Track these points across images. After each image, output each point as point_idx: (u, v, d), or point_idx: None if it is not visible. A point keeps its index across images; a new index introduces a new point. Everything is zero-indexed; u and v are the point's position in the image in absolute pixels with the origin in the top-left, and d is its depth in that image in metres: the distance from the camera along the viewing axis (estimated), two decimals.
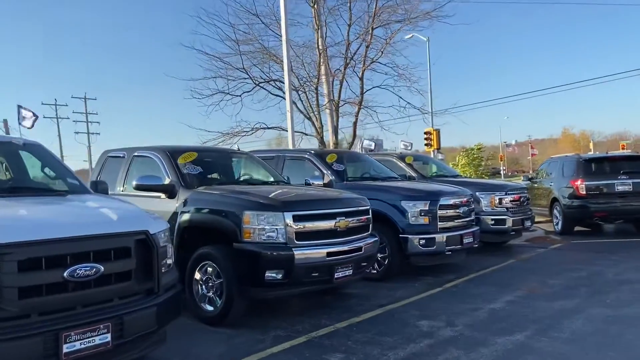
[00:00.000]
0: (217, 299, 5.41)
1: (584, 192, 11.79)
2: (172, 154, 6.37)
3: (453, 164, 22.98)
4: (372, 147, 13.39)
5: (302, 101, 18.13)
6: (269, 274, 5.13)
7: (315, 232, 5.43)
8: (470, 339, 4.89)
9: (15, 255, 3.00)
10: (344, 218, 5.67)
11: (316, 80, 17.89)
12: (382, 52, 17.65)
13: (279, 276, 5.15)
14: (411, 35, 26.74)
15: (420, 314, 5.75)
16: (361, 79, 18.02)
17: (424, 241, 7.32)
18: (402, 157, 11.17)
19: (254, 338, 5.03)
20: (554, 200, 13.02)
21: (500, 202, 9.82)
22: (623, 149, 40.26)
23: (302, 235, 5.31)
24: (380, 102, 19.92)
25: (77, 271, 3.21)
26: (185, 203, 5.81)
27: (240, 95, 17.48)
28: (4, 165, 5.14)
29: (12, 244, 3.01)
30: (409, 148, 14.39)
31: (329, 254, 5.41)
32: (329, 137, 18.42)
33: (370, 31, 17.56)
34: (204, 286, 5.55)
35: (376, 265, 7.53)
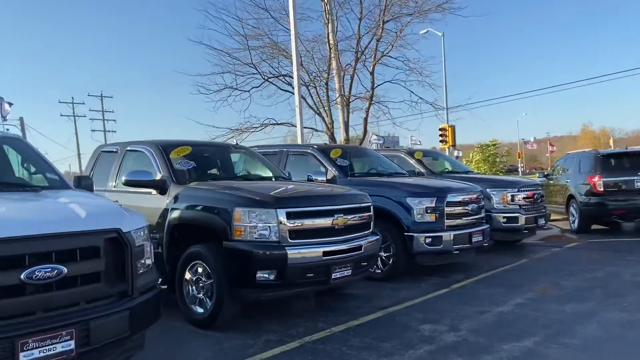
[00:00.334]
0: (208, 300, 5.14)
1: (602, 189, 11.33)
2: (165, 148, 6.11)
3: (467, 161, 22.50)
4: (381, 143, 13.04)
5: (312, 96, 17.83)
6: (261, 275, 4.84)
7: (310, 230, 5.13)
8: (473, 345, 4.56)
9: None
10: (342, 215, 5.36)
11: (326, 75, 17.56)
12: (392, 45, 17.28)
13: (271, 277, 4.87)
14: (426, 30, 26.30)
15: (423, 317, 5.42)
16: (372, 73, 17.67)
17: (430, 240, 6.99)
18: (411, 153, 10.82)
19: (244, 342, 4.75)
20: (570, 197, 12.57)
21: (512, 199, 9.43)
22: None
23: (296, 234, 5.02)
24: (393, 98, 19.51)
25: (36, 273, 2.95)
26: (176, 199, 5.55)
27: (248, 91, 17.25)
28: None
29: None
30: (418, 145, 14.01)
31: (325, 254, 5.10)
32: (340, 133, 18.12)
33: (381, 25, 17.17)
34: (194, 287, 5.28)
35: (380, 264, 7.22)
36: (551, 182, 14.35)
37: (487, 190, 9.29)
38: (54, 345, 2.98)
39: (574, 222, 12.40)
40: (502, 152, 22.85)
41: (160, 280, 5.59)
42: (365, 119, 17.72)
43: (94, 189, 6.65)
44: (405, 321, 5.32)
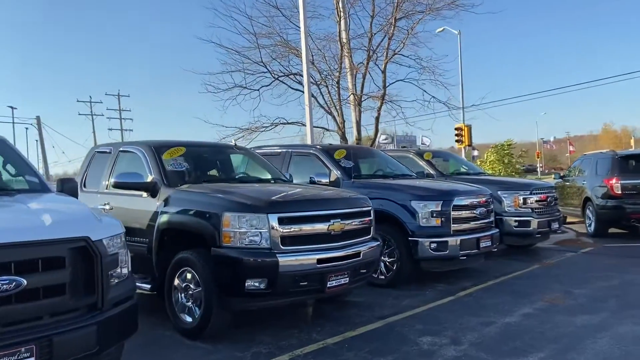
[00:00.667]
0: (197, 309, 4.91)
1: (619, 192, 10.89)
2: (157, 149, 5.90)
3: (481, 161, 21.98)
4: (390, 142, 12.70)
5: (322, 96, 17.55)
6: (250, 283, 4.60)
7: (304, 236, 4.87)
8: None
9: None
10: (339, 220, 5.09)
11: (338, 73, 17.27)
12: (404, 43, 16.90)
13: (262, 286, 4.62)
14: (442, 28, 25.85)
15: (423, 328, 5.13)
16: (383, 72, 17.31)
17: (435, 245, 6.68)
18: (420, 154, 10.48)
19: (232, 355, 4.52)
20: (587, 200, 12.13)
21: (524, 202, 9.05)
22: None
23: (289, 240, 4.77)
24: (406, 97, 19.17)
25: None
26: (166, 202, 5.33)
27: (258, 90, 17.02)
28: None
29: None
30: (428, 145, 13.66)
31: (320, 261, 4.84)
32: (353, 133, 17.81)
33: (393, 22, 16.82)
34: (183, 294, 5.06)
35: (384, 270, 6.94)
36: (567, 183, 13.90)
37: (498, 192, 8.94)
38: None
39: (590, 225, 11.96)
40: (518, 152, 22.27)
41: (150, 286, 5.46)
42: (377, 118, 17.39)
43: (89, 190, 6.55)
44: (404, 332, 5.04)
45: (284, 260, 4.62)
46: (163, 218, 5.24)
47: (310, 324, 5.34)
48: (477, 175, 10.52)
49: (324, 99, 17.56)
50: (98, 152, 6.76)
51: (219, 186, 5.48)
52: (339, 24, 17.22)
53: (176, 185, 5.47)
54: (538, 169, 68.07)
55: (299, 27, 14.60)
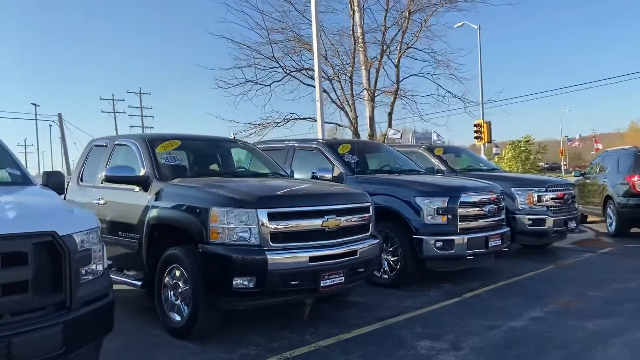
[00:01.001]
0: (185, 307, 4.72)
1: None
2: (151, 142, 5.73)
3: (499, 158, 21.53)
4: (399, 137, 12.39)
5: (335, 91, 17.28)
6: (238, 282, 4.39)
7: (296, 232, 4.65)
8: None
9: None
10: (334, 217, 4.84)
11: (351, 68, 16.99)
12: (417, 36, 16.54)
13: (250, 284, 4.40)
14: (462, 23, 25.37)
15: (422, 332, 4.87)
16: (397, 66, 16.99)
17: (440, 243, 6.39)
18: (431, 149, 10.16)
19: (218, 357, 4.31)
20: (608, 198, 11.66)
21: (539, 200, 8.68)
22: None
23: (279, 237, 4.54)
24: (421, 92, 18.75)
25: None
26: (157, 197, 5.15)
27: (270, 85, 16.84)
28: None
29: None
30: (440, 140, 13.31)
31: (312, 259, 4.61)
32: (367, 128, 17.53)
33: (407, 15, 16.47)
34: (172, 292, 4.88)
35: (387, 269, 6.68)
36: (588, 181, 13.42)
37: (511, 189, 8.59)
38: None
39: (610, 224, 11.50)
40: (536, 149, 21.68)
41: (140, 283, 5.30)
42: (390, 114, 17.06)
43: (86, 184, 6.42)
44: (402, 335, 4.78)
45: (273, 258, 4.41)
46: (153, 213, 5.07)
47: (305, 325, 5.11)
48: (491, 171, 10.16)
49: (337, 95, 17.32)
50: (95, 145, 6.62)
51: (211, 180, 5.28)
52: (352, 18, 16.94)
53: (168, 180, 5.29)
54: (562, 167, 66.70)
55: (312, 21, 14.36)
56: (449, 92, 17.26)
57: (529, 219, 8.52)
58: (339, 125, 17.67)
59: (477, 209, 6.76)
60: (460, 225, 6.54)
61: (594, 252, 9.36)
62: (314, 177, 7.10)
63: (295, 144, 8.29)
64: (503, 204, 7.32)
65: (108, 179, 5.32)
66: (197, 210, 4.60)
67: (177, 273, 4.79)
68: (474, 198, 6.77)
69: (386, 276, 6.69)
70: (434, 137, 13.44)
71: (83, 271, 3.30)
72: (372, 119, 17.13)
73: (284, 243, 4.56)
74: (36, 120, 49.09)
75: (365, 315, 5.45)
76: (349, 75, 16.96)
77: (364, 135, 17.17)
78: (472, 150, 13.44)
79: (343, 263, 4.85)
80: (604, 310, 5.49)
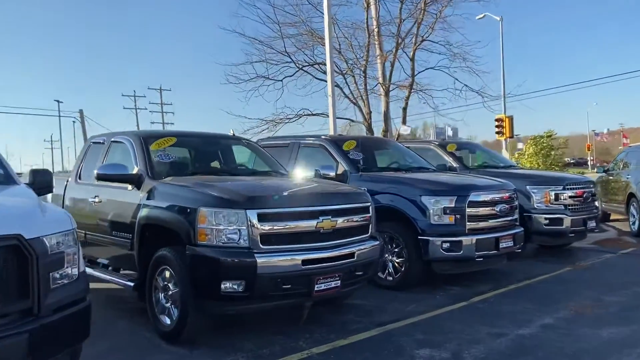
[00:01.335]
0: (175, 310, 4.55)
1: None
2: (145, 139, 5.56)
3: (519, 154, 20.90)
4: (408, 133, 12.05)
5: (348, 86, 16.98)
6: (227, 285, 4.19)
7: (289, 234, 4.44)
8: None
9: None
10: (329, 217, 4.61)
11: (365, 62, 16.66)
12: (432, 28, 16.12)
13: (239, 288, 4.21)
14: (483, 15, 24.77)
15: (423, 339, 4.61)
16: (412, 59, 16.59)
17: (447, 245, 6.11)
18: (443, 145, 9.83)
19: None
20: (631, 195, 11.18)
21: (556, 198, 8.31)
22: None
23: (271, 238, 4.34)
24: (438, 87, 18.34)
25: None
26: (148, 196, 4.98)
27: (281, 80, 16.61)
28: None
29: None
30: (452, 135, 12.91)
31: (305, 262, 4.39)
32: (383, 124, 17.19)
33: (423, 6, 16.06)
34: (162, 294, 4.71)
35: (392, 271, 6.43)
36: (611, 178, 12.91)
37: (527, 187, 8.25)
38: None
39: (634, 224, 11.02)
40: (558, 144, 21.00)
41: (133, 284, 5.15)
42: (404, 109, 16.69)
43: (84, 182, 6.29)
44: (401, 343, 4.53)
45: (263, 261, 4.20)
46: (143, 212, 4.90)
47: (301, 330, 4.89)
48: (506, 168, 9.79)
49: (350, 90, 17.02)
50: (94, 142, 6.49)
51: (203, 179, 5.09)
52: (367, 11, 16.61)
53: (161, 178, 5.12)
54: (589, 162, 65.19)
55: (324, 13, 14.07)
56: (466, 85, 16.84)
57: (546, 219, 8.16)
58: (352, 121, 17.39)
59: (488, 208, 6.46)
60: (469, 225, 6.25)
61: (615, 252, 8.95)
62: (317, 175, 6.90)
63: (300, 141, 8.06)
64: (516, 203, 6.99)
65: (100, 177, 5.17)
66: (185, 211, 4.42)
67: (168, 275, 4.63)
68: (484, 197, 6.46)
69: (390, 278, 6.43)
70: (449, 132, 13.08)
71: (56, 275, 3.14)
72: (386, 114, 16.79)
73: (276, 245, 4.35)
74: (59, 116, 49.81)
75: (365, 320, 5.21)
76: (362, 69, 16.63)
77: (378, 132, 16.84)
78: (487, 147, 13.05)
79: (339, 266, 4.63)
80: (620, 317, 5.17)
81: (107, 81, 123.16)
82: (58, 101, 48.88)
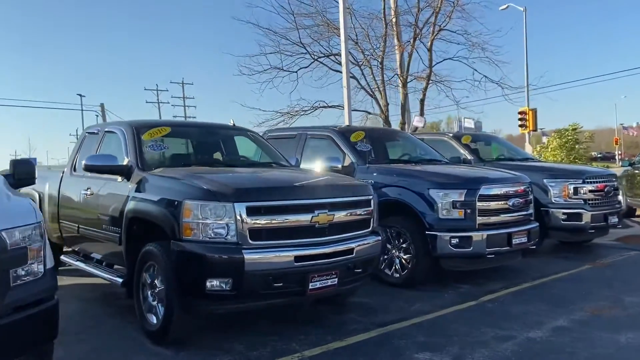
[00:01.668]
0: (161, 309, 4.32)
1: None
2: (138, 128, 5.33)
3: (541, 147, 20.26)
4: (422, 125, 11.66)
5: (365, 77, 16.60)
6: (213, 283, 3.94)
7: (280, 229, 4.16)
8: None
9: None
10: (325, 211, 4.32)
11: (381, 53, 16.28)
12: (449, 17, 15.64)
13: (226, 287, 3.95)
14: (506, 6, 24.12)
15: (424, 341, 4.31)
16: (429, 49, 16.14)
17: (456, 240, 5.78)
18: (457, 137, 9.44)
19: None
20: None
21: (575, 192, 7.87)
22: None
23: (261, 233, 4.07)
24: (456, 78, 17.86)
25: None
26: (137, 188, 4.75)
27: (296, 72, 16.32)
28: None
29: None
30: (475, 129, 12.48)
31: (298, 258, 4.11)
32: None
33: None
34: (149, 292, 4.49)
35: (399, 267, 6.12)
36: (637, 171, 12.35)
37: (544, 181, 7.84)
38: None
39: None
40: (583, 138, 20.28)
41: (121, 281, 4.94)
42: (422, 101, 16.26)
43: (78, 174, 6.09)
44: (400, 345, 4.23)
45: (251, 258, 3.94)
46: (130, 205, 4.67)
47: (297, 330, 4.62)
48: (523, 161, 9.36)
49: (367, 81, 16.64)
50: (89, 132, 6.30)
51: (194, 170, 4.85)
52: (384, 0, 16.20)
53: (150, 169, 4.89)
54: (617, 156, 63.52)
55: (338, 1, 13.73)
56: (485, 76, 16.33)
57: (564, 214, 7.74)
58: (369, 113, 17.02)
59: (500, 202, 6.10)
60: (480, 220, 5.90)
61: (639, 250, 8.47)
62: (322, 166, 6.62)
63: (307, 132, 7.78)
64: (531, 196, 6.61)
65: (87, 169, 4.97)
66: (171, 203, 4.18)
67: (154, 271, 4.40)
68: (496, 190, 6.10)
69: (397, 275, 6.13)
70: (465, 124, 12.63)
71: (19, 272, 2.93)
72: (404, 106, 16.40)
73: (266, 241, 4.08)
74: (82, 110, 50.27)
75: (366, 319, 4.92)
76: (379, 60, 16.24)
77: (396, 124, 16.46)
78: (511, 141, 12.59)
79: (336, 263, 4.34)
80: None
81: (130, 75, 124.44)
82: (80, 95, 49.31)
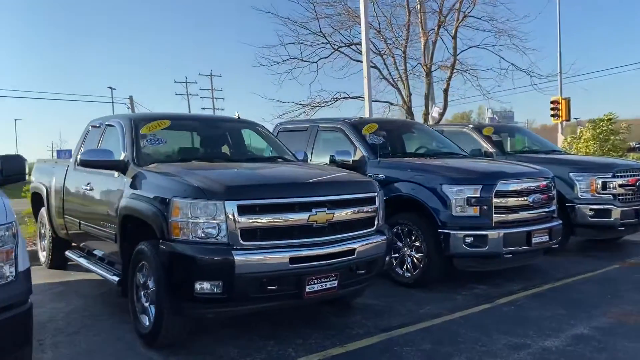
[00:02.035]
0: (153, 310, 4.14)
1: None
2: (136, 122, 5.16)
3: (573, 137, 19.46)
4: (437, 115, 11.17)
5: (387, 67, 16.18)
6: (203, 286, 3.73)
7: (275, 228, 3.92)
8: None
9: None
10: (324, 209, 4.06)
11: (404, 42, 15.82)
12: (474, 3, 15.04)
13: (216, 289, 3.74)
14: None
15: (430, 349, 4.02)
16: (454, 37, 15.60)
17: (471, 239, 5.45)
18: (479, 129, 9.02)
19: None
20: None
21: (604, 187, 7.41)
22: None
23: (254, 233, 3.84)
24: (483, 67, 17.29)
25: None
26: (131, 184, 4.58)
27: (316, 62, 16.00)
28: None
29: None
30: (495, 119, 11.98)
31: (293, 260, 3.87)
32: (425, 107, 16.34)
33: None
34: (142, 292, 4.31)
35: (410, 267, 5.83)
36: None
37: (570, 175, 7.42)
38: None
39: None
40: (620, 128, 19.37)
41: (117, 279, 4.79)
42: (446, 90, 15.73)
43: (80, 168, 5.98)
44: (402, 354, 3.96)
45: (242, 259, 3.71)
46: (123, 202, 4.50)
47: (296, 334, 4.39)
48: (548, 154, 8.89)
49: (389, 71, 16.21)
50: (92, 126, 6.15)
51: (188, 166, 4.64)
52: None
53: (146, 164, 4.71)
54: None
55: None
56: (512, 64, 15.71)
57: (591, 210, 7.31)
58: (391, 104, 16.60)
59: (519, 198, 5.73)
60: (496, 218, 5.55)
61: None
62: (332, 160, 6.38)
63: (319, 124, 7.52)
64: (554, 192, 6.21)
65: (83, 164, 4.82)
66: (160, 201, 3.99)
67: (146, 271, 4.22)
68: (515, 186, 5.73)
69: (409, 274, 5.84)
70: (489, 114, 12.14)
71: None
72: (427, 96, 15.93)
73: (259, 241, 3.85)
74: (112, 102, 50.98)
75: (370, 323, 4.65)
76: (402, 49, 15.80)
77: (419, 115, 16.02)
78: (545, 131, 12.05)
79: (336, 264, 4.08)
80: None
81: (160, 68, 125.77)
82: (111, 88, 50.09)
